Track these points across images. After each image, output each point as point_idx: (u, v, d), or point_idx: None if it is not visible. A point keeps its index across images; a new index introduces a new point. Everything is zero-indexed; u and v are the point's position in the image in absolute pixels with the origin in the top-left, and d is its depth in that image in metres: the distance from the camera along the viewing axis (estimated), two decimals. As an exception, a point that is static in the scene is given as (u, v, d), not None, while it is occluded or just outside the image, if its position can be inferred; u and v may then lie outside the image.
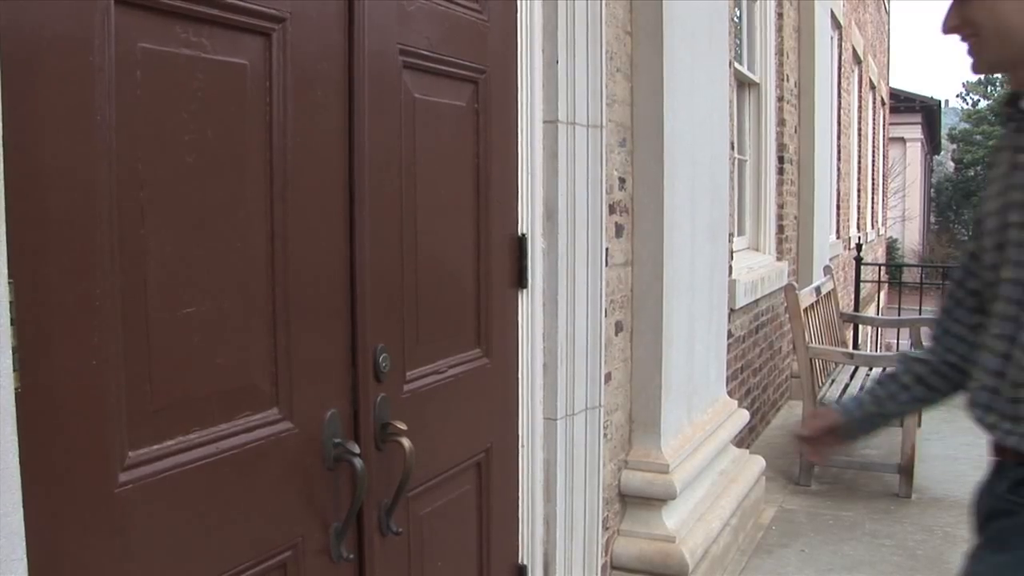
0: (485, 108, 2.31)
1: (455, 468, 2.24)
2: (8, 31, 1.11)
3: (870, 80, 12.45)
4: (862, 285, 9.23)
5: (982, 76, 36.36)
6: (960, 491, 4.94)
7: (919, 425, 5.25)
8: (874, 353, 8.98)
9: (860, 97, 11.54)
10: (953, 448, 5.70)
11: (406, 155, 1.97)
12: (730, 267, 4.72)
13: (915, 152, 28.62)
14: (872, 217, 13.92)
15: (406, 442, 1.83)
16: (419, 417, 2.02)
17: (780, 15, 6.23)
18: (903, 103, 23.28)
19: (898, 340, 10.70)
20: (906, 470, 4.90)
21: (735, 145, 5.40)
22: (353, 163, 1.80)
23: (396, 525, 1.93)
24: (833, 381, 5.65)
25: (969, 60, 1.58)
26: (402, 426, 1.87)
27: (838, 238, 9.44)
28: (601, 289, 2.89)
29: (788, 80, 6.47)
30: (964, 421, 5.79)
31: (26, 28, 1.15)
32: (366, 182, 1.82)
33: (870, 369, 5.95)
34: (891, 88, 18.25)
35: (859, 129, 11.60)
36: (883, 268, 12.15)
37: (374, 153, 1.84)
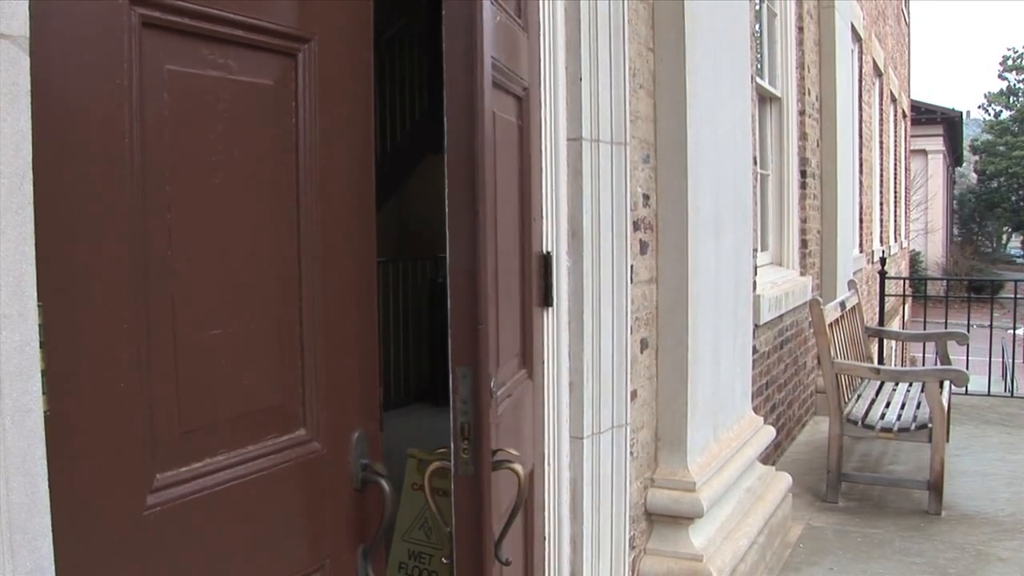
0: (527, 125, 2.29)
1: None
2: (37, 54, 1.11)
3: (891, 92, 12.39)
4: (886, 299, 9.16)
5: (1004, 87, 35.82)
6: (992, 508, 4.87)
7: (947, 440, 5.18)
8: (900, 368, 8.90)
9: (881, 110, 11.48)
10: (983, 464, 5.63)
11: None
12: (754, 282, 4.69)
13: (937, 164, 28.47)
14: (895, 230, 13.83)
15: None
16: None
17: (801, 29, 6.21)
18: (924, 115, 23.19)
19: (924, 354, 10.59)
20: (935, 486, 4.83)
21: (757, 160, 5.38)
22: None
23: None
24: (859, 396, 5.59)
25: None
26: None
27: (861, 252, 9.37)
28: (626, 306, 2.87)
29: (809, 94, 6.44)
30: (993, 436, 5.76)
31: (55, 51, 1.15)
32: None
33: (896, 384, 5.89)
34: (912, 100, 18.14)
35: (880, 142, 11.54)
36: (907, 282, 12.05)
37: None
